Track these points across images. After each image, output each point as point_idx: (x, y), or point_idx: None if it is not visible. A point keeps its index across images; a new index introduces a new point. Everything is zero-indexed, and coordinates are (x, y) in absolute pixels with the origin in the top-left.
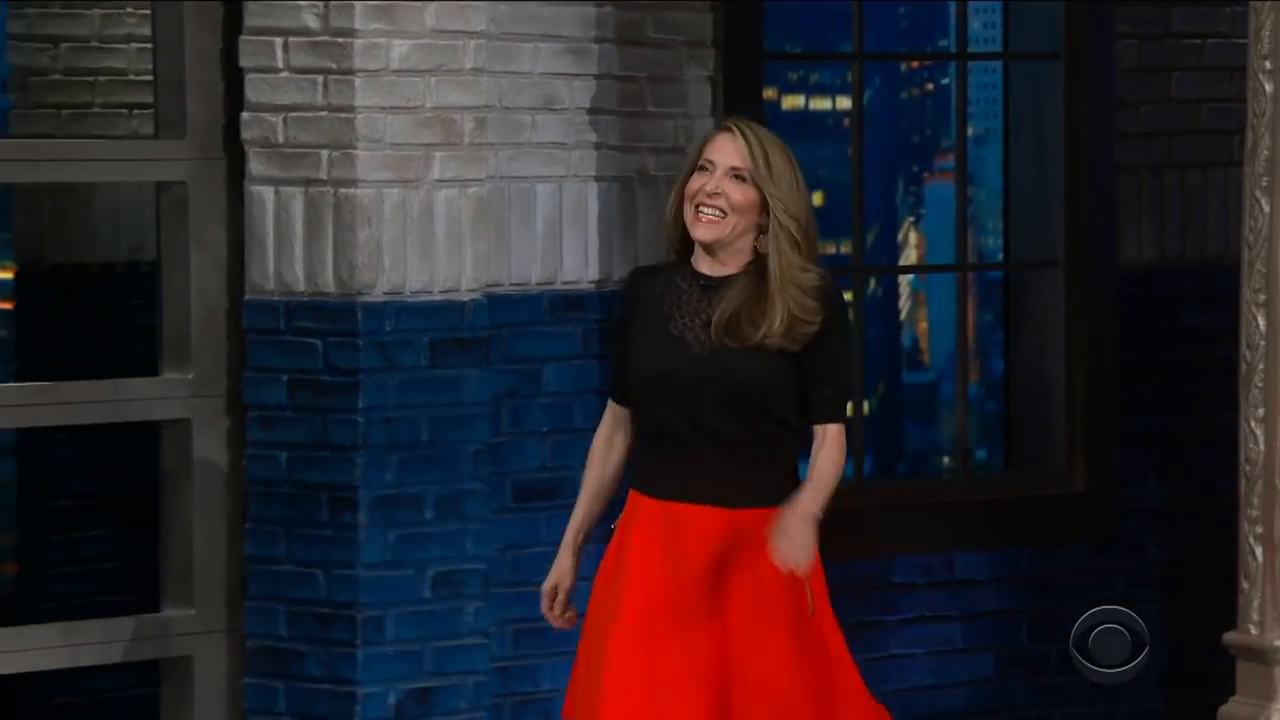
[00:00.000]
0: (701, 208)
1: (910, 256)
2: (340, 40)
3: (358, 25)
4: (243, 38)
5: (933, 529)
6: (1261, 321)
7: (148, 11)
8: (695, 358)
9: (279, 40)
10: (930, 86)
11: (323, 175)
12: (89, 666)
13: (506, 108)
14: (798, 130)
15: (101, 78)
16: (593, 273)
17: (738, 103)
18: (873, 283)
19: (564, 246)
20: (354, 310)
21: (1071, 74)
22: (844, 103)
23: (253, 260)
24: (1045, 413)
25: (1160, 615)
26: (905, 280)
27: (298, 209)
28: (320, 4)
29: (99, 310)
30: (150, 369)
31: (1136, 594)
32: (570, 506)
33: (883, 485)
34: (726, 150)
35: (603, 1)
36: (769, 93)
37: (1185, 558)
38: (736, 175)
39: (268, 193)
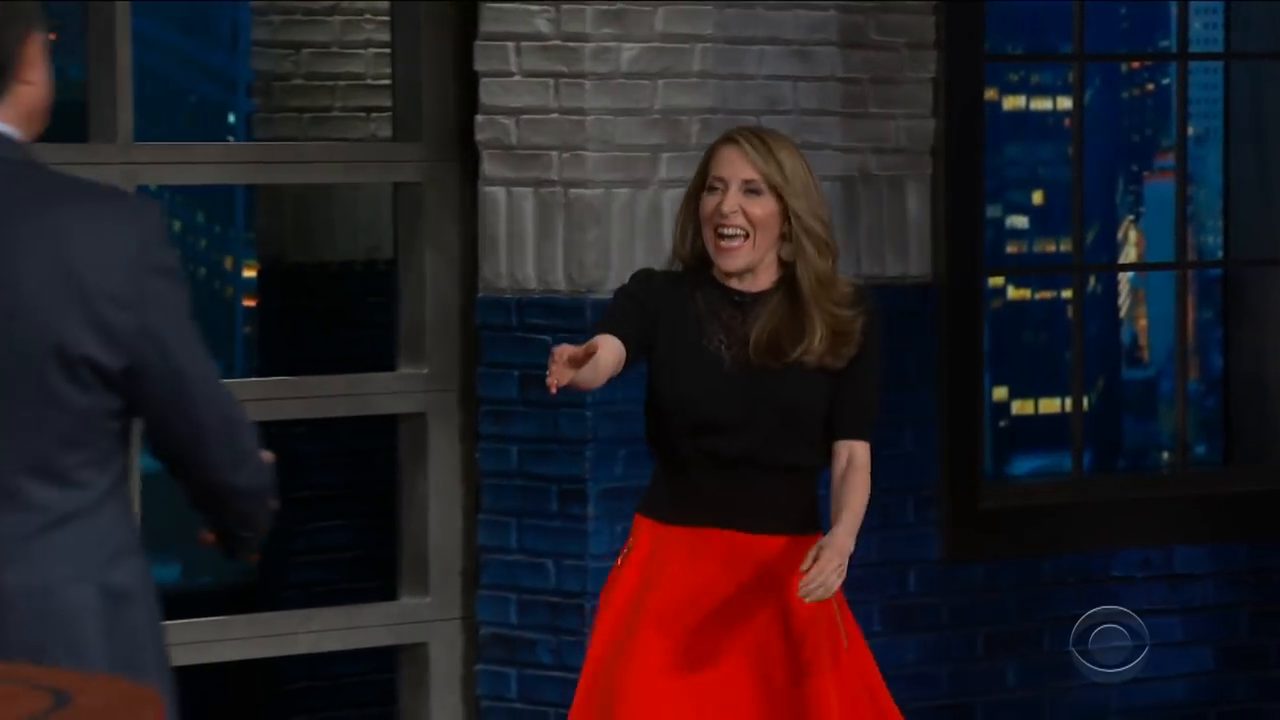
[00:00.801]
0: (722, 231)
1: (1130, 254)
2: (571, 45)
3: (589, 30)
4: (477, 43)
5: (1152, 523)
6: None
7: (386, 18)
8: (733, 379)
9: (512, 45)
10: (1150, 86)
11: (553, 176)
12: (329, 652)
13: (731, 110)
14: (1018, 130)
15: (341, 82)
16: None
17: (958, 103)
18: (1092, 280)
19: None
20: (583, 307)
21: None
22: (1064, 103)
23: (485, 258)
24: (1265, 408)
25: None
26: (1125, 278)
27: (529, 209)
28: (553, 9)
29: (338, 307)
30: (387, 364)
31: None
32: None
33: (1102, 480)
34: (735, 163)
35: (827, 5)
36: (990, 93)
37: None
38: (751, 189)
39: (500, 193)
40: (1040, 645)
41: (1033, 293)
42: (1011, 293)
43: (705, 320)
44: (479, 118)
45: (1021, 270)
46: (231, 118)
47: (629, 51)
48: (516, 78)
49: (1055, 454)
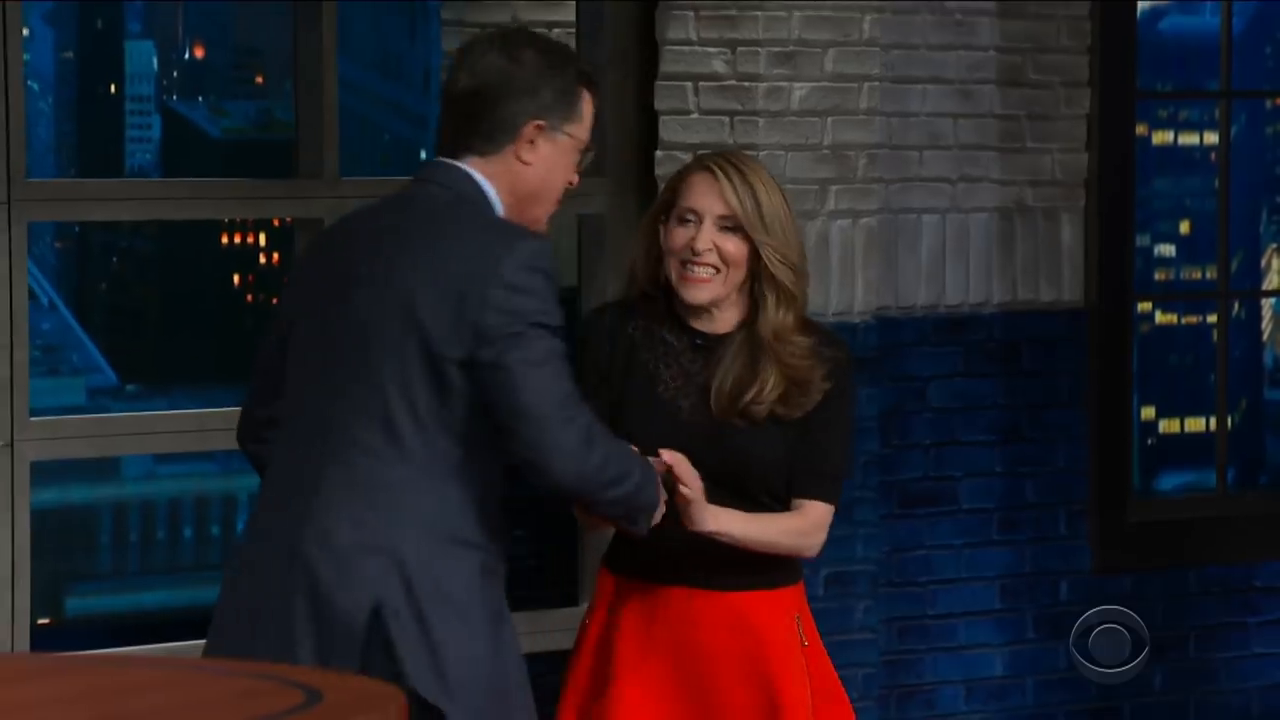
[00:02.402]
0: (689, 265)
1: (1273, 281)
2: (746, 84)
3: (762, 70)
4: (658, 83)
5: None
6: None
7: None
8: (692, 432)
9: (690, 85)
10: None
11: None
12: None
13: (896, 145)
14: (1167, 163)
15: None
16: (974, 296)
17: (1110, 138)
18: (1236, 305)
19: (947, 272)
20: None
21: None
22: (1211, 138)
23: None
24: None
25: None
26: (1267, 303)
27: None
28: (729, 51)
29: None
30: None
31: None
32: (952, 513)
33: (1245, 496)
34: (710, 196)
35: (986, 46)
36: (1140, 129)
37: None
38: (725, 225)
39: None
40: (1186, 652)
41: (1179, 317)
42: (1159, 317)
43: (661, 362)
44: (659, 153)
45: (1169, 296)
46: (423, 154)
47: (800, 91)
48: (694, 115)
49: (1200, 470)
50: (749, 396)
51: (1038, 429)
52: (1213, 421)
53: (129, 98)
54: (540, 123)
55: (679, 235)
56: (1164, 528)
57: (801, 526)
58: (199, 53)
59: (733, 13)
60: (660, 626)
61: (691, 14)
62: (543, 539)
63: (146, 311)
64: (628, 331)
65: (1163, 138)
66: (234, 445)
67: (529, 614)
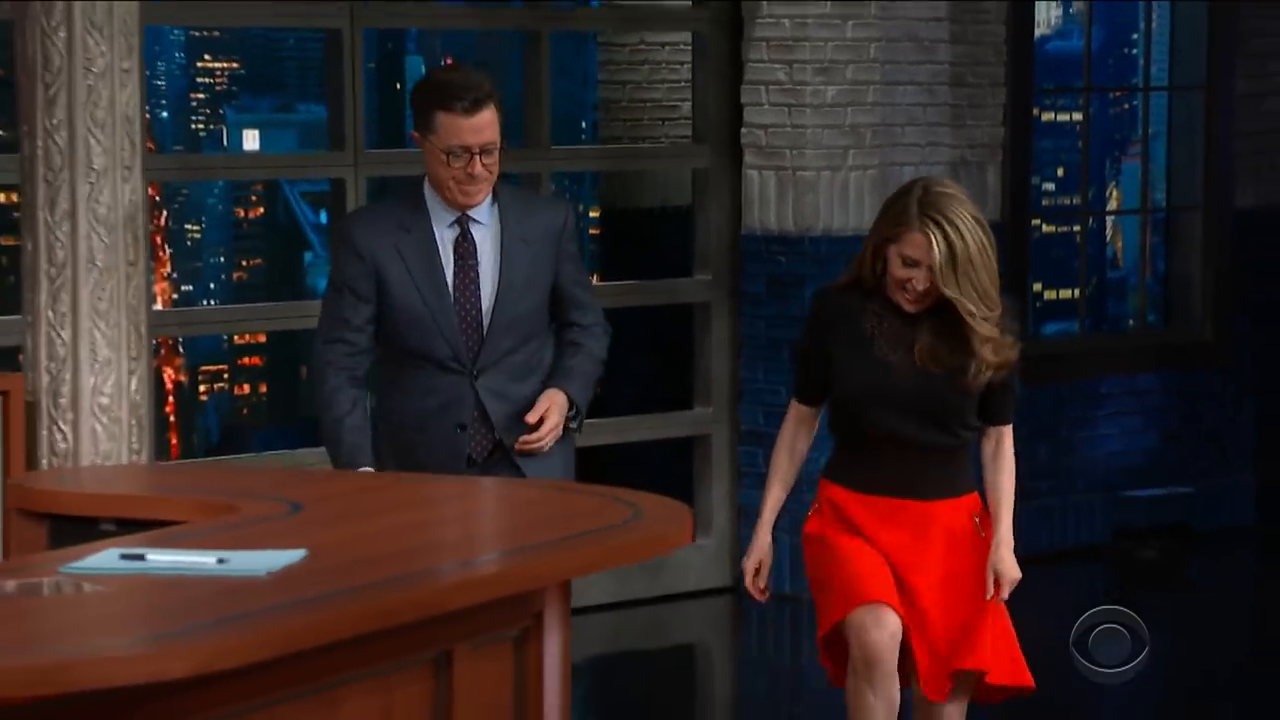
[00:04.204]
0: (906, 289)
1: (1111, 205)
2: (797, 87)
3: (808, 79)
4: (743, 84)
5: None
6: None
7: (679, 62)
8: (900, 379)
9: (763, 87)
10: None
11: (786, 164)
12: (650, 441)
13: (888, 124)
14: (1050, 133)
15: (648, 104)
16: None
17: (1017, 118)
18: (1090, 220)
19: None
20: (802, 240)
21: None
22: (1077, 116)
23: (745, 211)
24: None
25: None
26: (1110, 219)
27: (771, 183)
28: (787, 67)
29: (652, 236)
30: (686, 271)
31: None
32: None
33: (1095, 336)
34: (923, 252)
35: (943, 61)
36: (1035, 111)
37: None
38: (936, 272)
39: (755, 174)
40: (1059, 433)
41: (1057, 228)
42: (1045, 228)
43: (875, 330)
44: (743, 129)
45: (1051, 214)
46: (583, 125)
47: (830, 90)
48: (765, 106)
49: (1068, 321)
50: (970, 375)
51: None
52: (1076, 291)
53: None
54: (415, 134)
55: (901, 271)
56: (1046, 358)
57: (1007, 460)
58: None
59: (789, 43)
60: (873, 525)
61: (764, 44)
62: (671, 369)
63: None
64: (842, 306)
65: (1048, 116)
66: None
67: (664, 415)
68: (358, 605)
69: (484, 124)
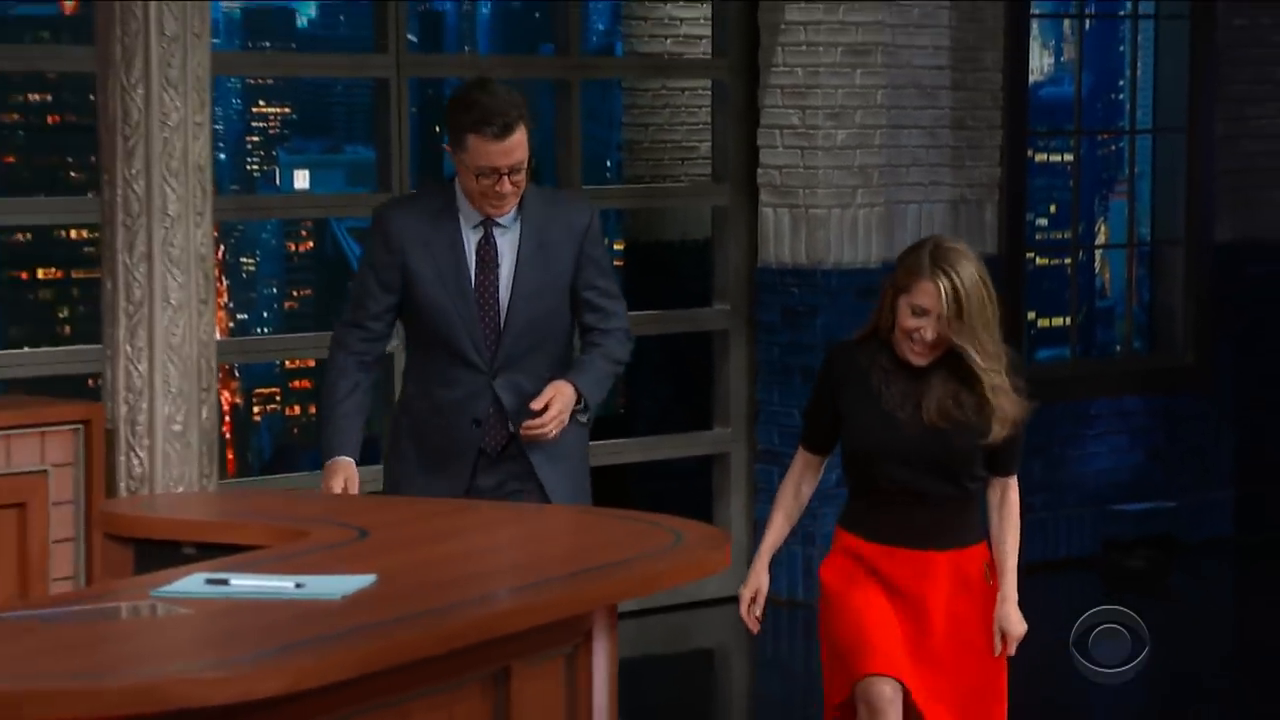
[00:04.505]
0: (914, 341)
1: (1099, 239)
2: (810, 130)
3: (820, 124)
4: (759, 128)
5: None
6: None
7: (698, 107)
8: (909, 433)
9: (778, 130)
10: None
11: (799, 203)
12: (672, 459)
13: (893, 165)
14: (1043, 172)
15: (668, 144)
16: None
17: (1013, 158)
18: (1080, 253)
19: (922, 237)
20: (814, 274)
21: None
22: (1068, 157)
23: (761, 245)
24: None
25: None
26: (1099, 253)
27: (785, 220)
28: (800, 112)
29: (673, 267)
30: (705, 302)
31: None
32: None
33: (1084, 361)
34: (933, 300)
35: (944, 106)
36: (1029, 152)
37: None
38: (940, 317)
39: (770, 211)
40: (1052, 452)
41: (1050, 260)
42: (1038, 260)
43: (882, 384)
44: (759, 170)
45: (1044, 248)
46: (608, 164)
47: (840, 134)
48: (779, 149)
49: (1059, 347)
50: (953, 410)
51: None
52: (1067, 320)
53: None
54: (448, 148)
55: (910, 321)
56: (1040, 382)
57: (1013, 513)
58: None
59: (803, 90)
60: (887, 574)
61: (779, 90)
62: (691, 393)
63: None
64: (853, 362)
65: (1041, 157)
66: None
67: (686, 435)
68: (425, 630)
69: (513, 146)
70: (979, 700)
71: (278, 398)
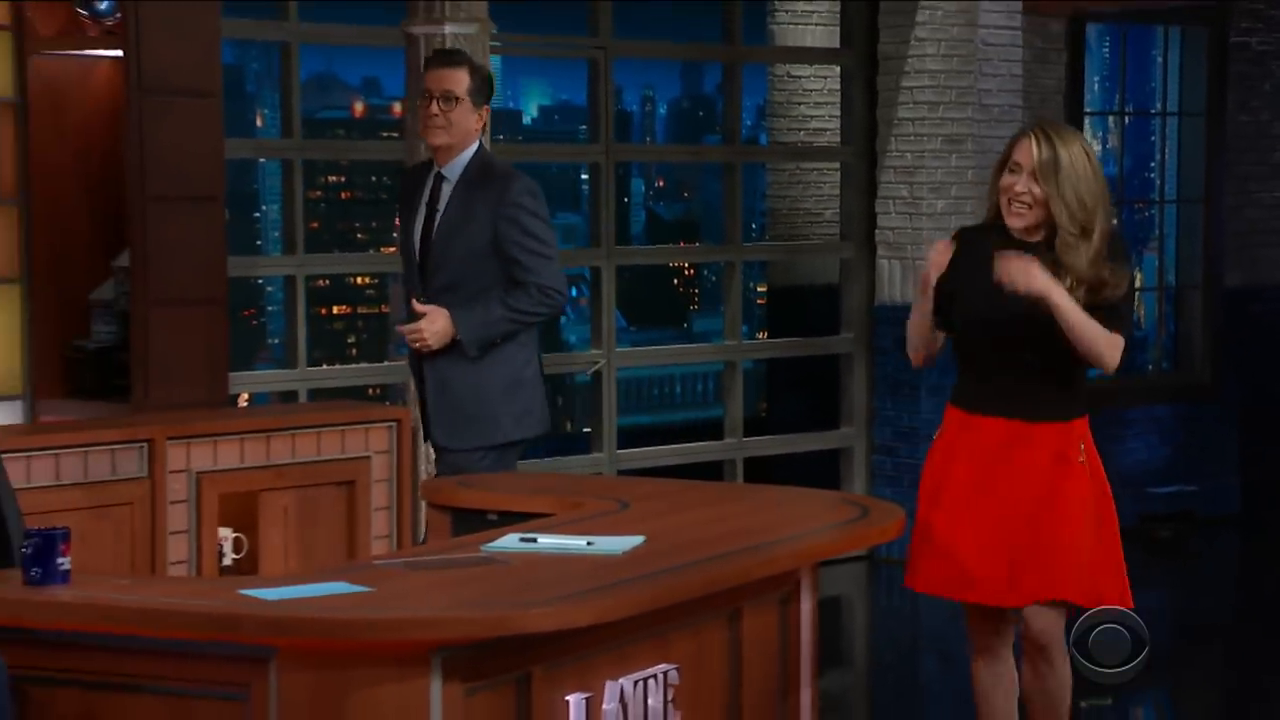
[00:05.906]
0: (1013, 202)
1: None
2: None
3: (928, 163)
4: (877, 199)
5: None
6: None
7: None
8: (1007, 304)
9: (892, 200)
10: None
11: (907, 255)
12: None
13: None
14: None
15: (801, 209)
16: None
17: None
18: None
19: None
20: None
21: None
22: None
23: (879, 288)
24: None
25: None
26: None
27: (897, 270)
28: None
29: (807, 301)
30: (833, 330)
31: None
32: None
33: (1116, 378)
34: (1026, 155)
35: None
36: None
37: None
38: (1035, 175)
39: (885, 262)
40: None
41: None
42: None
43: (993, 262)
44: (876, 230)
45: None
46: (753, 226)
47: (941, 203)
48: (892, 214)
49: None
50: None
51: None
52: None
53: None
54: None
55: (1006, 180)
56: (1092, 394)
57: (1112, 338)
58: None
59: (911, 169)
60: (985, 445)
61: (892, 169)
62: (819, 402)
63: None
64: (972, 240)
65: None
66: None
67: (819, 433)
68: (684, 579)
69: (446, 76)
70: (1088, 573)
71: None
